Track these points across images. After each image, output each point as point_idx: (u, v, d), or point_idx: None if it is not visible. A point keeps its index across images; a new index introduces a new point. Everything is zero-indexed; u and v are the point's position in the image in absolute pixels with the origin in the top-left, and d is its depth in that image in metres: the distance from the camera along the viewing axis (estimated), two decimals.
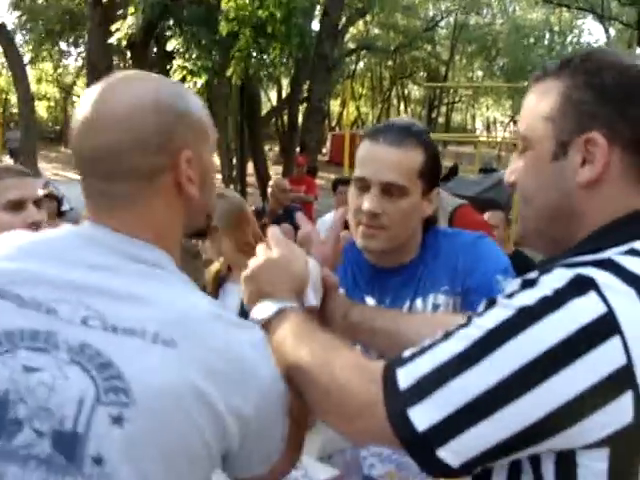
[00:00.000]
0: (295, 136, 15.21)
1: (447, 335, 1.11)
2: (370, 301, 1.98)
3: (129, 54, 7.05)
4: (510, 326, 1.04)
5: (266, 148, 25.04)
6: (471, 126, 55.80)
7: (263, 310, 1.37)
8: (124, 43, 6.35)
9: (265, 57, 9.05)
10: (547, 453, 1.05)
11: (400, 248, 1.95)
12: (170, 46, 7.71)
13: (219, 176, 22.49)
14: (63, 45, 31.11)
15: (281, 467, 1.32)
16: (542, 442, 1.03)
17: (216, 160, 16.59)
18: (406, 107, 44.89)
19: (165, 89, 1.24)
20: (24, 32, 26.51)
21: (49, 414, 1.10)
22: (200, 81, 8.36)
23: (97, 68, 7.68)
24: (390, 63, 39.60)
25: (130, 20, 6.21)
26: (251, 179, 17.30)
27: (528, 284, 1.09)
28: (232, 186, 19.01)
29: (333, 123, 42.13)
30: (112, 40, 6.42)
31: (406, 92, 44.64)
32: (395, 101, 46.62)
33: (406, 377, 1.10)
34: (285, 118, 23.47)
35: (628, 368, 1.00)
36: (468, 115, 55.97)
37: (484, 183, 17.03)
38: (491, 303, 1.11)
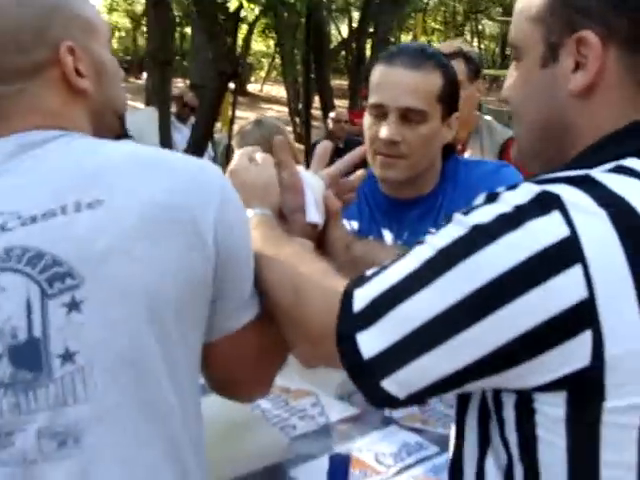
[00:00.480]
0: (362, 70, 14.96)
1: (404, 253, 1.03)
2: (387, 235, 1.91)
3: None
4: (462, 246, 0.95)
5: (334, 82, 24.84)
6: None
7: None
8: None
9: None
10: (508, 396, 0.95)
11: (419, 178, 1.87)
12: None
13: (285, 109, 22.53)
14: None
15: (257, 381, 1.31)
16: (491, 376, 0.93)
17: (283, 93, 16.57)
18: (479, 43, 43.81)
19: None
20: None
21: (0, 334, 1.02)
22: (258, 8, 8.21)
23: None
24: None
25: None
26: (317, 113, 17.12)
27: (489, 199, 0.99)
28: (297, 119, 18.96)
29: None
30: None
31: (480, 27, 43.56)
32: (468, 36, 45.54)
33: (361, 299, 1.02)
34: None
35: (589, 303, 0.86)
36: None
37: None
38: (449, 220, 1.01)
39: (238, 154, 1.47)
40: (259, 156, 1.47)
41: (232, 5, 7.46)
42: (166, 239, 1.07)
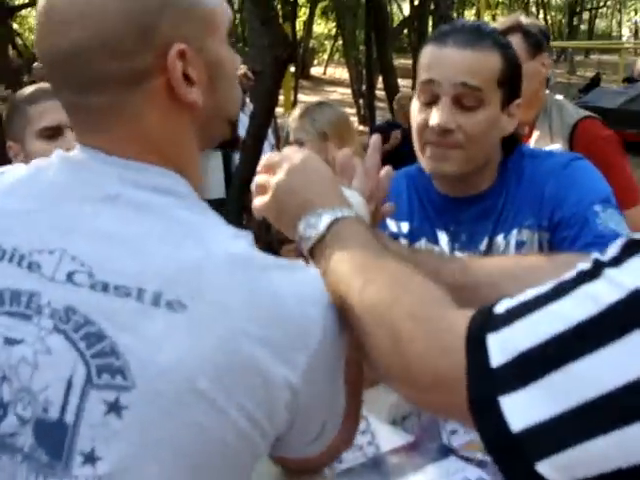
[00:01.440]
0: None
1: (560, 289, 0.79)
2: (443, 236, 1.70)
3: None
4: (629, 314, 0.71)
5: (398, 61, 24.54)
6: (617, 33, 52.95)
7: (309, 226, 1.05)
8: None
9: None
10: None
11: (477, 173, 1.64)
12: None
13: (348, 90, 22.38)
14: None
15: (337, 445, 1.09)
16: None
17: (346, 75, 16.40)
18: (545, 14, 42.87)
19: None
20: None
21: (32, 397, 0.89)
22: None
23: None
24: None
25: None
26: (381, 93, 16.87)
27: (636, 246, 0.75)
28: (361, 100, 18.79)
29: None
30: None
31: None
32: (534, 8, 44.66)
33: (501, 350, 0.78)
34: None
35: None
36: (614, 21, 53.05)
37: (628, 94, 16.11)
38: (633, 243, 0.77)
39: (277, 163, 1.17)
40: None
41: None
42: (238, 392, 0.88)
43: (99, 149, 0.97)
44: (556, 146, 2.70)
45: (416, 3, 22.98)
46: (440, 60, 1.56)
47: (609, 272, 0.75)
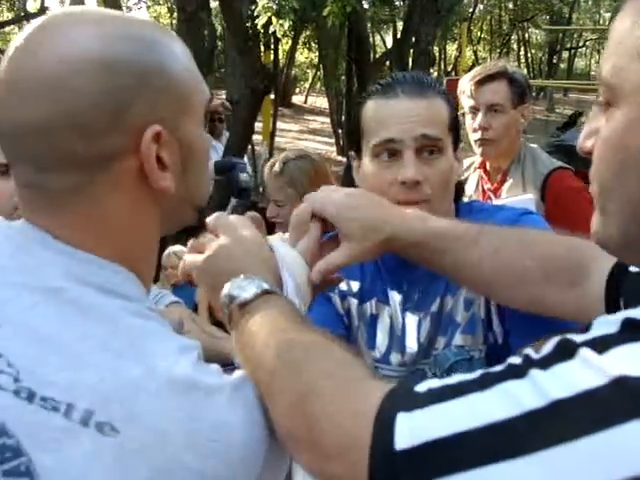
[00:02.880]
0: None
1: (485, 380, 0.74)
2: (395, 296, 1.63)
3: None
4: (597, 407, 0.65)
5: None
6: (595, 72, 53.56)
7: (242, 287, 1.02)
8: None
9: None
10: None
11: None
12: None
13: (328, 120, 22.43)
14: None
15: None
16: None
17: (326, 103, 16.41)
18: (526, 52, 43.32)
19: (121, 38, 0.87)
20: None
21: None
22: (287, 23, 8.00)
23: (185, 10, 7.44)
24: (510, 5, 38.13)
25: None
26: None
27: (636, 332, 0.68)
28: (340, 130, 18.81)
29: (449, 68, 41.12)
30: None
31: (526, 36, 43.01)
32: (515, 45, 45.10)
33: (408, 433, 0.73)
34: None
35: None
36: (592, 60, 53.69)
37: None
38: (565, 346, 0.72)
39: (224, 226, 1.14)
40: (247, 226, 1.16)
41: (260, 21, 7.27)
42: None
43: (47, 231, 0.89)
44: (528, 195, 2.69)
45: (398, 36, 23.15)
46: (394, 114, 1.52)
47: (535, 374, 0.71)
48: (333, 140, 20.40)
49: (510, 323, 1.46)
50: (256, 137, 9.79)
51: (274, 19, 7.22)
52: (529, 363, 0.73)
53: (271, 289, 1.02)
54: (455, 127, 1.58)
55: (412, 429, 0.73)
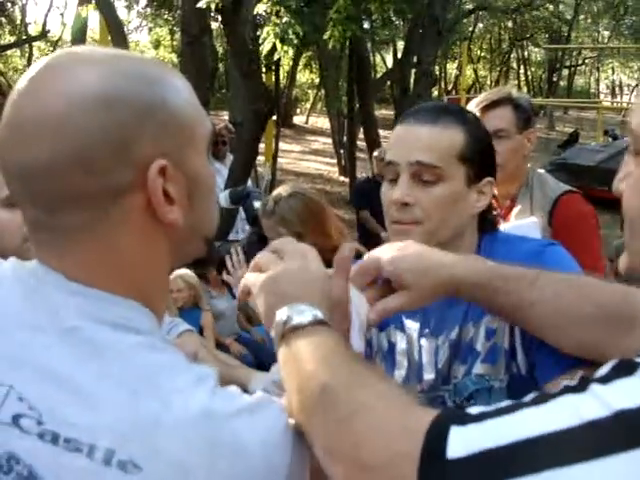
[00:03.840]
0: (406, 101, 14.81)
1: (543, 398, 0.75)
2: (411, 323, 1.64)
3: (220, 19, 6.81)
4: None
5: (381, 112, 24.75)
6: (595, 90, 53.79)
7: (298, 313, 1.03)
8: (213, 7, 6.08)
9: (365, 21, 8.67)
10: None
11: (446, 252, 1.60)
12: (258, 9, 7.40)
13: (330, 140, 22.50)
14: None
15: None
16: None
17: (328, 124, 16.43)
18: (526, 70, 43.56)
19: (123, 74, 0.88)
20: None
21: None
22: (291, 50, 8.05)
23: (189, 33, 7.49)
24: (510, 24, 38.34)
25: None
26: (363, 144, 16.97)
27: (627, 369, 0.72)
28: (342, 151, 18.87)
29: (450, 86, 41.28)
30: (201, 4, 6.17)
31: (526, 54, 43.22)
32: (514, 64, 45.35)
33: (463, 444, 0.74)
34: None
35: None
36: (592, 78, 53.91)
37: (606, 151, 16.27)
38: (625, 365, 0.74)
39: (292, 251, 1.14)
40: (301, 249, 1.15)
41: (265, 48, 7.31)
42: None
43: (60, 272, 0.90)
44: (532, 219, 2.68)
45: (399, 55, 23.27)
46: (399, 139, 1.59)
47: (595, 388, 0.73)
48: (335, 160, 20.45)
49: (537, 356, 1.45)
50: (258, 158, 9.80)
51: (278, 45, 7.26)
52: (586, 381, 0.75)
53: (326, 320, 1.04)
54: (475, 157, 1.57)
55: (466, 440, 0.75)
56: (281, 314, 1.04)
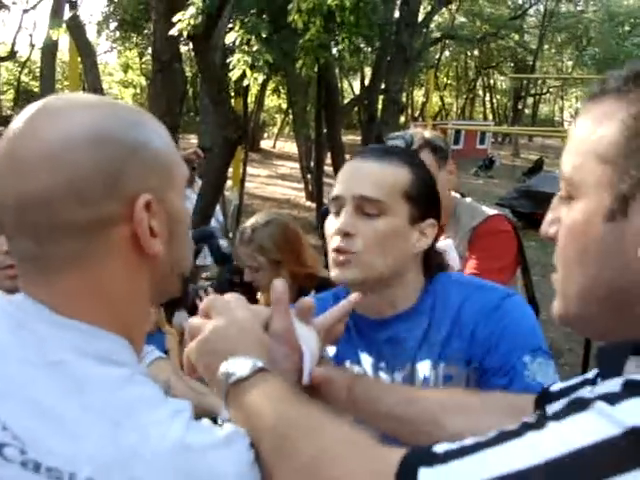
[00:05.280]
0: (374, 127, 14.91)
1: (502, 437, 0.77)
2: (366, 359, 1.67)
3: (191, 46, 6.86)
4: (613, 452, 0.69)
5: (347, 137, 24.83)
6: (559, 118, 54.59)
7: (236, 366, 1.04)
8: (185, 34, 6.13)
9: (334, 48, 8.76)
10: None
11: (388, 288, 1.63)
12: (229, 39, 7.46)
13: (297, 165, 22.58)
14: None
15: None
16: None
17: (296, 149, 16.43)
18: (491, 98, 44.12)
19: (111, 117, 0.95)
20: (110, 21, 26.71)
21: None
22: (261, 77, 8.12)
23: (160, 60, 7.53)
24: (476, 52, 38.89)
25: (191, 10, 5.97)
26: (330, 169, 17.05)
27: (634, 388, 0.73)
28: (309, 176, 18.93)
29: (417, 113, 41.63)
30: (173, 31, 6.21)
31: (492, 82, 43.78)
32: (480, 92, 45.92)
33: None
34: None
35: None
36: (556, 107, 54.71)
37: None
38: (576, 404, 0.76)
39: (218, 308, 1.15)
40: (240, 304, 1.18)
41: (234, 75, 7.35)
42: None
43: (46, 303, 0.94)
44: (448, 241, 2.78)
45: (366, 82, 23.45)
46: (346, 174, 1.63)
47: (551, 424, 0.75)
48: (302, 185, 20.52)
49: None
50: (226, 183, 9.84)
51: (248, 72, 7.31)
52: (544, 418, 0.77)
53: (265, 367, 1.04)
54: (419, 198, 1.61)
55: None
56: (220, 371, 1.05)
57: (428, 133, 3.04)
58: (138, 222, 0.94)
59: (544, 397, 1.17)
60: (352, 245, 1.57)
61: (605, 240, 0.84)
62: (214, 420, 1.00)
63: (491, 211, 3.05)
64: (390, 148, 1.68)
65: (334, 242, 1.59)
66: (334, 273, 1.61)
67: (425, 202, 1.64)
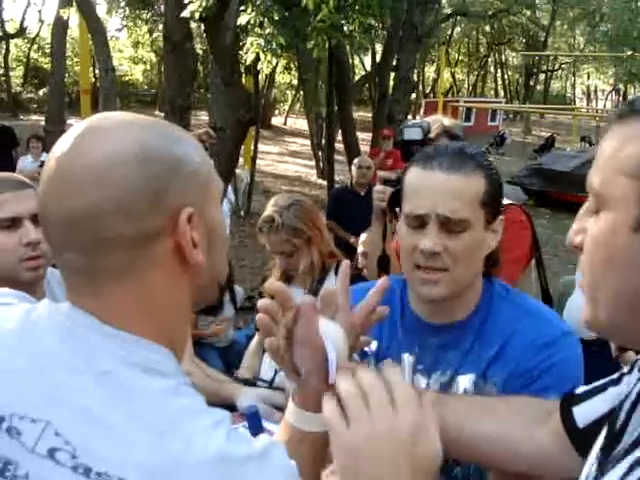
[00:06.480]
0: (384, 105, 14.89)
1: None
2: (408, 358, 1.68)
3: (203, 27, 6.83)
4: None
5: (359, 113, 24.73)
6: (571, 94, 54.22)
7: None
8: (196, 16, 6.12)
9: (345, 28, 8.68)
10: None
11: (460, 298, 1.64)
12: (241, 21, 7.43)
13: (308, 142, 22.50)
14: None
15: None
16: None
17: (307, 125, 16.32)
18: (503, 74, 43.81)
19: (154, 135, 0.99)
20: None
21: None
22: (275, 59, 8.12)
23: (171, 40, 7.53)
24: (487, 29, 38.58)
25: None
26: (341, 146, 17.02)
27: None
28: (321, 153, 18.90)
29: (428, 89, 41.44)
30: (185, 13, 6.21)
31: (503, 59, 43.48)
32: (492, 68, 45.61)
33: None
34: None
35: None
36: (568, 83, 54.31)
37: (581, 157, 16.40)
38: None
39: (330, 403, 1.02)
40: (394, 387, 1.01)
41: (249, 58, 7.35)
42: None
43: (93, 313, 0.98)
44: None
45: (377, 58, 23.36)
46: (425, 187, 1.58)
47: None
48: (313, 163, 20.51)
49: None
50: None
51: (262, 55, 7.31)
52: None
53: None
54: (492, 200, 1.61)
55: None
56: None
57: (447, 121, 3.01)
58: (182, 234, 0.97)
59: (570, 400, 1.22)
60: (439, 262, 1.57)
61: (631, 250, 0.88)
62: (231, 408, 1.04)
63: (506, 200, 3.02)
64: (459, 151, 1.62)
65: (416, 258, 1.58)
66: (420, 290, 1.60)
67: (497, 202, 1.64)
